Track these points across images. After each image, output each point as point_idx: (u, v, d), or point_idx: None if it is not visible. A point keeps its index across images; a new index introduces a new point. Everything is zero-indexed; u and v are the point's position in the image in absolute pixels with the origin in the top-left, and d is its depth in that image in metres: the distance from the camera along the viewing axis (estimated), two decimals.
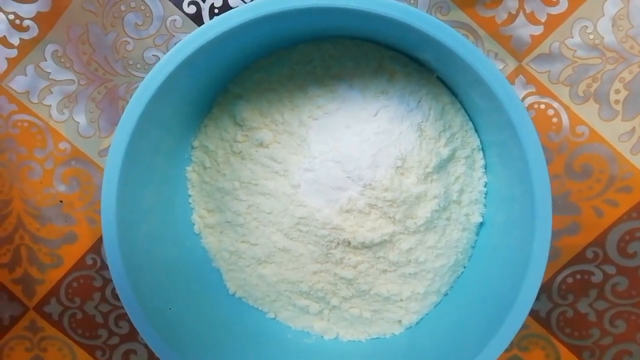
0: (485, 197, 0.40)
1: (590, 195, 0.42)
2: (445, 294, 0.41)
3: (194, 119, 0.40)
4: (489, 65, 0.32)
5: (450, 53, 0.32)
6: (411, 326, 0.41)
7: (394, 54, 0.39)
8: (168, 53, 0.32)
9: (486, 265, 0.39)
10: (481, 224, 0.40)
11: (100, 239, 0.45)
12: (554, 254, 0.43)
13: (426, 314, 0.41)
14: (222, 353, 0.37)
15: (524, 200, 0.33)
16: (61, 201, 0.45)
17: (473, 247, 0.41)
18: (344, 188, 0.37)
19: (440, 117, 0.38)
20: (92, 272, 0.46)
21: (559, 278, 0.43)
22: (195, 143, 0.41)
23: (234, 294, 0.42)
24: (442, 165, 0.38)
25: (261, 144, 0.39)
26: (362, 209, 0.37)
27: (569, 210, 0.42)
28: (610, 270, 0.43)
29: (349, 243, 0.38)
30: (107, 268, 0.44)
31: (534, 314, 0.43)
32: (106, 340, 0.46)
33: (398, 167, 0.37)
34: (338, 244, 0.38)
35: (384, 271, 0.39)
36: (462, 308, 0.39)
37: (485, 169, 0.40)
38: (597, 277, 0.43)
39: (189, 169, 0.42)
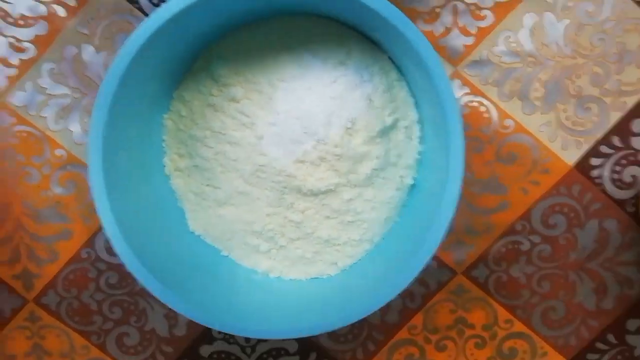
0: (418, 164, 0.43)
1: (516, 177, 0.46)
2: (377, 244, 0.44)
3: (176, 73, 0.42)
4: (428, 47, 0.34)
5: (402, 38, 0.35)
6: (345, 269, 0.44)
7: (355, 33, 0.41)
8: (157, 10, 0.35)
9: (411, 221, 0.42)
10: (412, 186, 0.43)
11: (94, 235, 0.47)
12: (488, 228, 0.46)
13: (359, 259, 0.44)
14: (180, 282, 0.39)
15: (445, 170, 0.36)
16: (58, 202, 0.47)
17: (404, 206, 0.44)
18: (301, 142, 0.40)
19: (388, 91, 0.41)
20: (87, 265, 0.48)
21: (494, 248, 0.46)
22: (175, 94, 0.43)
23: (193, 232, 0.44)
24: (385, 132, 0.41)
25: (233, 99, 0.41)
26: (313, 161, 0.40)
27: (499, 190, 0.46)
28: (536, 239, 0.46)
29: (300, 190, 0.41)
30: (101, 260, 0.47)
31: (474, 280, 0.47)
32: (101, 325, 0.48)
33: (348, 127, 0.40)
34: (291, 190, 0.41)
35: (327, 217, 0.42)
36: (389, 256, 0.42)
37: (420, 139, 0.43)
38: (526, 246, 0.46)
39: (165, 116, 0.43)
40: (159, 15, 0.35)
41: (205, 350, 0.49)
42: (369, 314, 0.37)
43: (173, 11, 0.35)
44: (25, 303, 0.49)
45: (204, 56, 0.43)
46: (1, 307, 0.49)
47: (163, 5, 0.35)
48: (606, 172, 0.46)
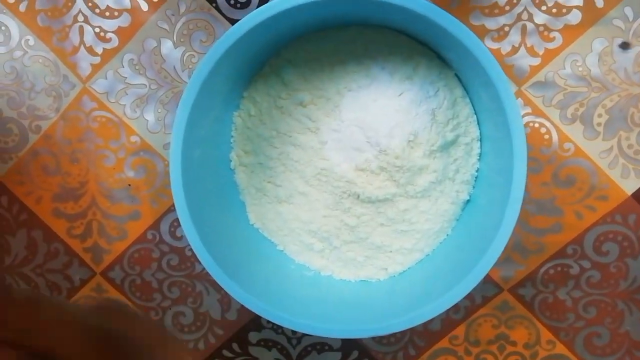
0: (475, 180, 0.44)
1: (572, 201, 0.46)
2: (428, 254, 0.45)
3: (247, 74, 0.44)
4: (500, 73, 0.36)
5: (470, 55, 0.36)
6: (395, 275, 0.45)
7: (424, 48, 0.42)
8: (240, 21, 0.37)
9: (464, 235, 0.43)
10: (467, 202, 0.44)
11: (160, 218, 0.49)
12: (539, 248, 0.46)
13: (409, 267, 0.45)
14: (237, 269, 0.41)
15: (503, 189, 0.37)
16: (129, 185, 0.49)
17: (457, 220, 0.44)
18: (362, 150, 0.41)
19: (452, 107, 0.42)
20: (151, 245, 0.50)
21: (543, 269, 0.47)
22: (245, 94, 0.44)
23: (253, 224, 0.46)
24: (445, 147, 0.42)
25: (300, 104, 0.42)
26: (373, 170, 0.41)
27: (554, 212, 0.46)
28: (586, 265, 0.46)
29: (358, 196, 0.42)
30: (164, 242, 0.49)
31: (520, 298, 0.47)
32: (160, 303, 0.51)
33: (410, 140, 0.41)
34: (349, 195, 0.43)
35: (381, 224, 0.43)
36: (439, 267, 0.43)
37: (479, 156, 0.43)
38: (575, 270, 0.47)
39: (235, 114, 0.45)
40: (241, 26, 0.37)
41: (254, 336, 0.51)
42: (415, 325, 0.38)
43: (255, 22, 0.37)
44: (93, 275, 0.52)
45: (274, 59, 0.44)
46: (72, 277, 0.52)
47: (245, 17, 0.37)
48: None
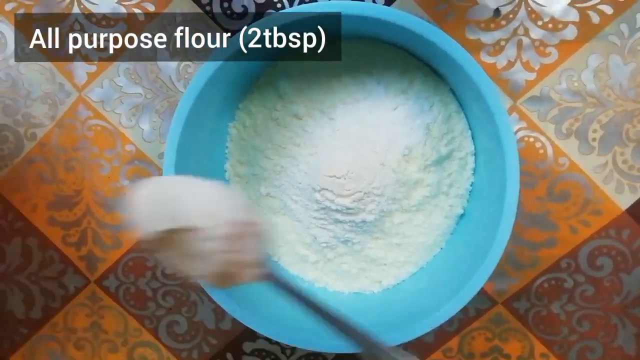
0: (469, 194, 0.44)
1: (567, 215, 0.46)
2: (422, 267, 0.45)
3: (242, 84, 0.44)
4: (490, 85, 0.36)
5: (462, 71, 0.36)
6: (388, 288, 0.45)
7: (419, 63, 0.42)
8: (237, 34, 0.37)
9: (458, 249, 0.43)
10: (461, 215, 0.44)
11: None
12: (533, 262, 0.46)
13: (402, 280, 0.45)
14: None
15: (497, 204, 0.37)
16: (125, 193, 0.49)
17: (451, 234, 0.45)
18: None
19: (446, 122, 0.42)
20: (145, 254, 0.50)
21: (537, 282, 0.47)
22: (240, 105, 0.45)
23: None
24: (440, 161, 0.42)
25: (296, 116, 0.42)
26: None
27: (549, 226, 0.46)
28: (580, 279, 0.46)
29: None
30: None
31: (514, 311, 0.47)
32: (154, 311, 0.51)
33: (405, 154, 0.41)
34: (343, 208, 0.42)
35: (376, 238, 0.43)
36: (432, 280, 0.43)
37: (473, 171, 0.44)
38: (569, 284, 0.47)
39: (231, 124, 0.45)
40: (238, 38, 0.37)
41: (248, 346, 0.51)
42: (410, 340, 0.39)
43: (251, 37, 0.37)
44: (87, 283, 0.52)
45: (270, 71, 0.44)
46: (66, 285, 0.52)
47: (242, 29, 0.37)
48: None
